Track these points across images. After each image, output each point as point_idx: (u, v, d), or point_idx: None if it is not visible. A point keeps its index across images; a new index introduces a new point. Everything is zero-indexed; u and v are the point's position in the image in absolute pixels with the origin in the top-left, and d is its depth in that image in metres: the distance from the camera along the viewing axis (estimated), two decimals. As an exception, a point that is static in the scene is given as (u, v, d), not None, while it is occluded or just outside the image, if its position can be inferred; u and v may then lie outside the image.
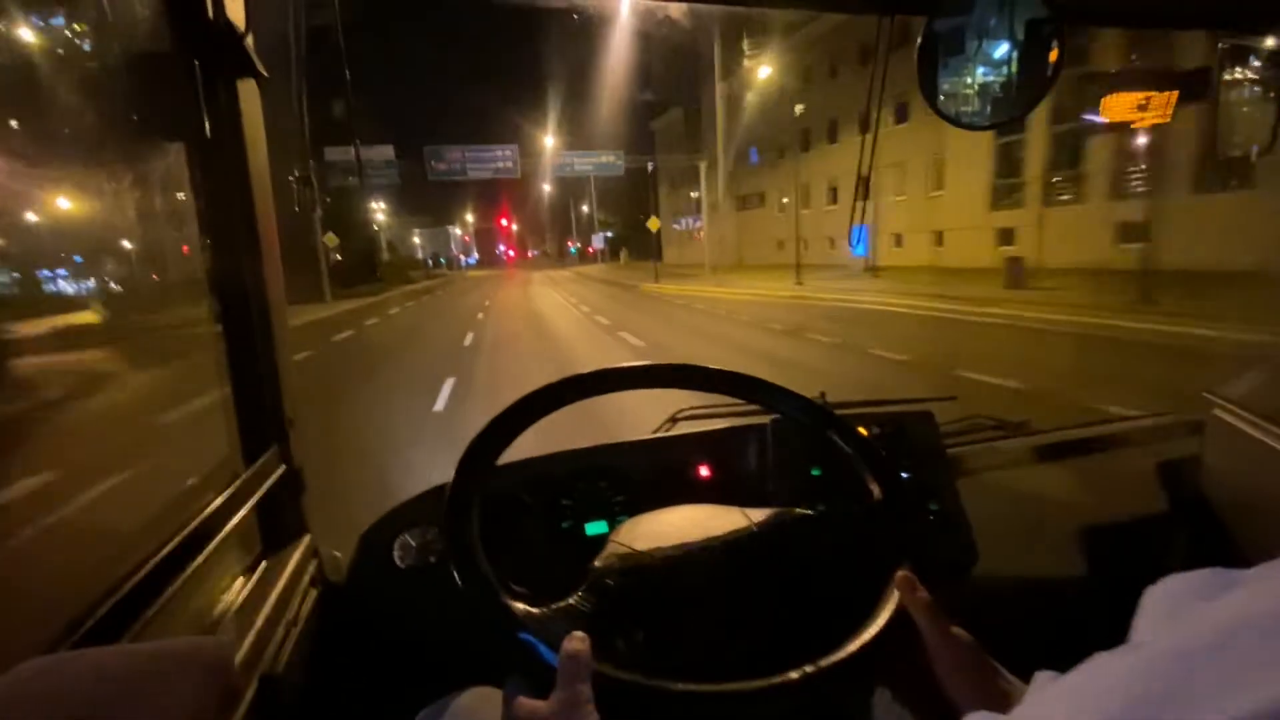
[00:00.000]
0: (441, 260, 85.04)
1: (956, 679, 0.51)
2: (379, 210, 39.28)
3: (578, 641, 0.49)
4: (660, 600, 0.58)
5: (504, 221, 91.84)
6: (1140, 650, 0.24)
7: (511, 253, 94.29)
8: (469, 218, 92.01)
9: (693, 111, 36.46)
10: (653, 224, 24.27)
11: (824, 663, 0.51)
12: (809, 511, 0.65)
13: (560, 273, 46.72)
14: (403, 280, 36.37)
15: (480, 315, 15.12)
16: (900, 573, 0.57)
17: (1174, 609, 0.25)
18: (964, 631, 0.53)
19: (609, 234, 66.48)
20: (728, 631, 0.63)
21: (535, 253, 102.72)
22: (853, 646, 0.53)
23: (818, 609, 0.62)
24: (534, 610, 0.53)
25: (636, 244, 55.40)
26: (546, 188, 71.88)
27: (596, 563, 0.59)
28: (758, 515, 0.65)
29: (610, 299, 18.97)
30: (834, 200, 26.12)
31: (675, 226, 44.93)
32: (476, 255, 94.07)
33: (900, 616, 0.54)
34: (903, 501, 0.66)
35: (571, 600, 0.54)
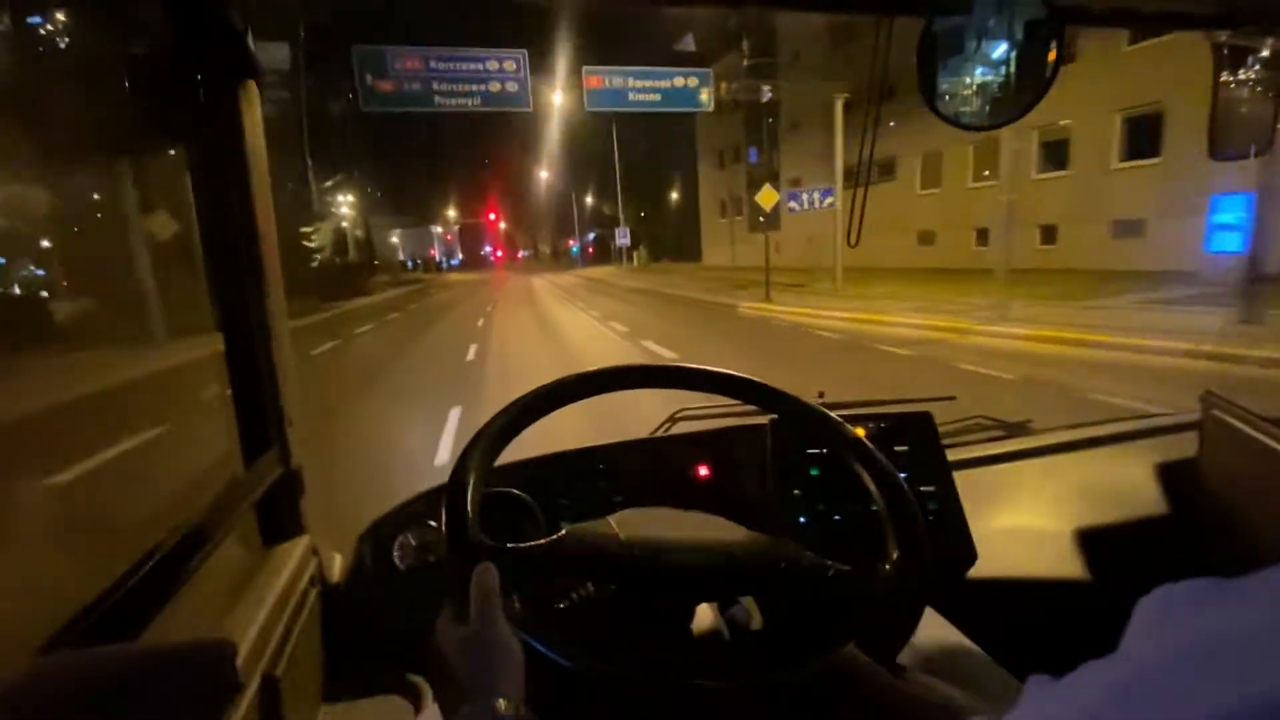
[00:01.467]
0: (417, 262, 71.05)
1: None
2: (342, 204, 31.82)
3: (485, 573, 0.51)
4: (614, 582, 0.59)
5: (491, 216, 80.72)
6: (1127, 657, 0.25)
7: (499, 253, 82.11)
8: (451, 213, 79.68)
9: (759, 54, 23.94)
10: (766, 198, 13.50)
11: (713, 684, 0.51)
12: (807, 558, 0.64)
13: (564, 277, 36.04)
14: (354, 291, 24.52)
15: (456, 410, 5.26)
16: (848, 648, 0.55)
17: (1163, 617, 0.26)
18: (918, 678, 0.52)
19: (595, 232, 57.50)
20: (666, 628, 0.63)
21: (525, 253, 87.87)
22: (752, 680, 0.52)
23: (775, 634, 0.63)
24: (489, 542, 0.56)
25: (660, 241, 45.46)
26: (544, 174, 60.09)
27: (567, 525, 0.61)
28: (752, 545, 0.64)
29: (731, 342, 9.45)
30: (1057, 163, 15.37)
31: (724, 218, 32.30)
32: (460, 256, 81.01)
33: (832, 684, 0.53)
34: (901, 505, 0.66)
35: (523, 546, 0.56)
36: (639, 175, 47.46)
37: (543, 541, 0.58)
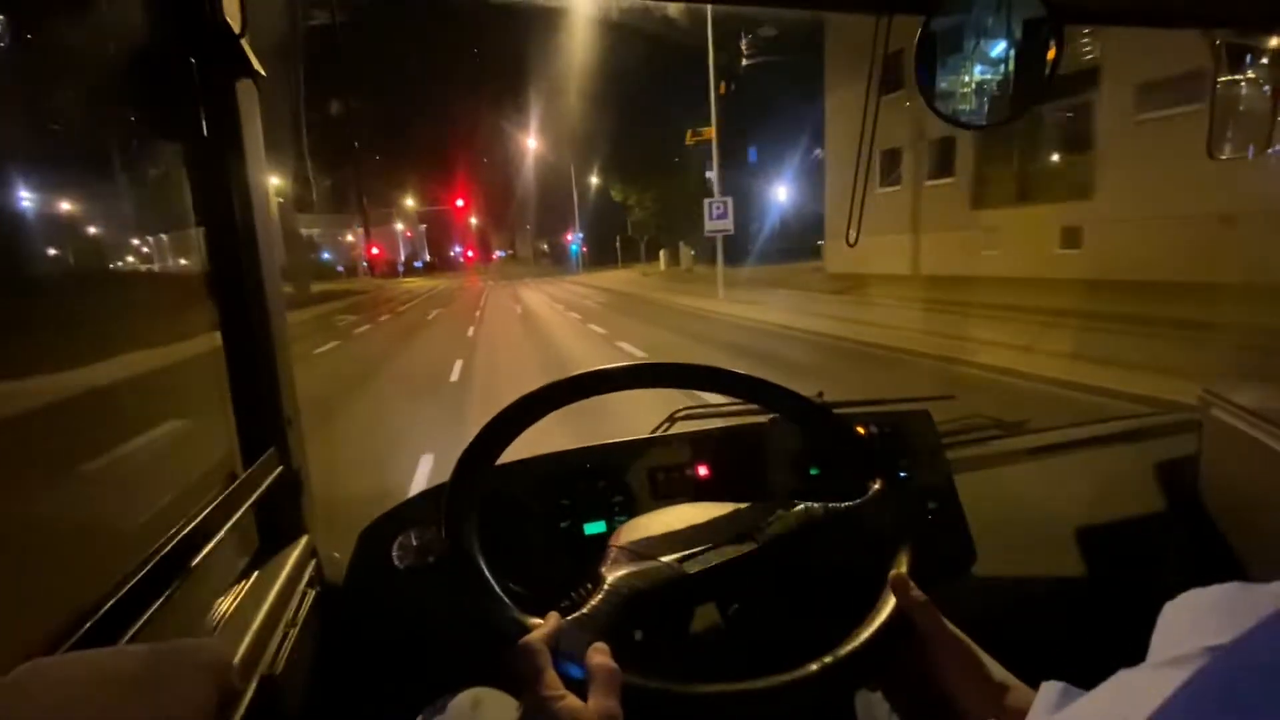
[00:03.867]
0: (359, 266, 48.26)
1: (955, 676, 0.51)
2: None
3: (603, 654, 0.49)
4: (672, 605, 0.58)
5: (459, 203, 57.51)
6: (1170, 669, 0.24)
7: (471, 253, 64.53)
8: (409, 202, 57.25)
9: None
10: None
11: (842, 653, 0.51)
12: (809, 505, 0.65)
13: (568, 288, 23.84)
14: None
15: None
16: (893, 573, 0.57)
17: (1197, 626, 0.25)
18: (958, 630, 0.54)
19: (574, 230, 39.33)
20: (737, 632, 0.63)
21: (502, 253, 69.45)
22: (866, 634, 0.53)
23: (823, 605, 0.63)
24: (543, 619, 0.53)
25: (690, 233, 28.51)
26: (531, 142, 42.90)
27: (604, 569, 0.59)
28: (761, 516, 0.65)
29: None
30: None
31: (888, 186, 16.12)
32: (427, 257, 63.34)
33: (897, 617, 0.55)
34: (900, 498, 0.66)
35: (585, 610, 0.54)
36: (656, 143, 31.79)
37: (598, 601, 0.55)
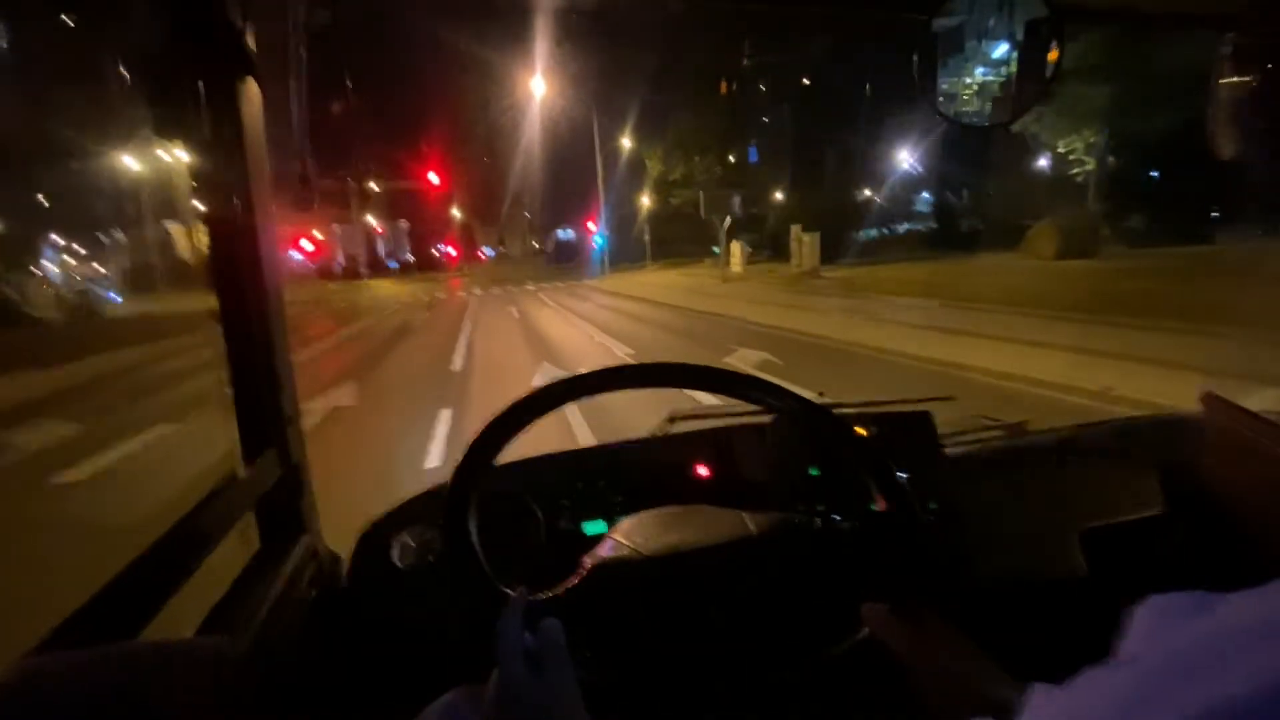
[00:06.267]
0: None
1: (944, 685, 0.51)
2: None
3: (555, 633, 0.50)
4: (650, 598, 0.59)
5: (433, 177, 40.13)
6: (1124, 667, 0.26)
7: (453, 250, 51.83)
8: (373, 185, 41.73)
9: None
10: None
11: (799, 671, 0.52)
12: (806, 519, 0.66)
13: (646, 311, 12.29)
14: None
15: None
16: (867, 605, 0.57)
17: (1157, 626, 0.27)
18: (938, 656, 0.54)
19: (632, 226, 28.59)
20: (712, 632, 0.63)
21: (492, 252, 56.12)
22: (829, 655, 0.54)
23: (804, 616, 0.63)
24: (519, 596, 0.54)
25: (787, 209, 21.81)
26: (535, 89, 27.34)
27: (587, 558, 0.60)
28: (756, 521, 0.65)
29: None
30: None
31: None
32: (408, 257, 51.74)
33: (871, 644, 0.55)
34: (902, 504, 0.66)
35: (560, 591, 0.55)
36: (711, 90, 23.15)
37: (574, 583, 0.57)
